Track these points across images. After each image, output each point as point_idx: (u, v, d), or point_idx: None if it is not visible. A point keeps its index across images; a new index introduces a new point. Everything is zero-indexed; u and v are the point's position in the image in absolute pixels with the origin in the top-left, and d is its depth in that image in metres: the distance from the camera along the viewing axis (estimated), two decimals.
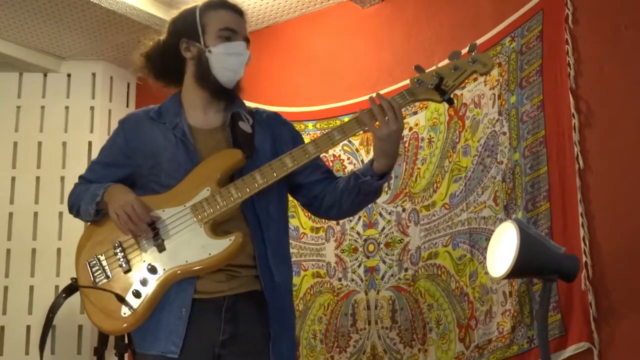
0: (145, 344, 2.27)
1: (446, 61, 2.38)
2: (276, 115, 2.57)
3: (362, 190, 2.33)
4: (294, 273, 3.41)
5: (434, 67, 2.39)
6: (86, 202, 2.38)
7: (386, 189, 3.32)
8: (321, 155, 2.45)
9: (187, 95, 2.46)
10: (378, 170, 2.29)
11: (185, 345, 2.23)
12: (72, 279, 2.36)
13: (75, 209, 2.46)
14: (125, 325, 2.25)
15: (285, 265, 2.42)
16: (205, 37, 2.39)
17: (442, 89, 2.31)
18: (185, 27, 2.42)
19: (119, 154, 2.46)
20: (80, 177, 2.52)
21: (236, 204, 2.28)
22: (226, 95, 2.43)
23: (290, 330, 2.40)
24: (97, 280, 2.30)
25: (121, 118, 2.56)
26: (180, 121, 2.40)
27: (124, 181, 2.42)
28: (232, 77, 2.41)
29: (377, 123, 2.24)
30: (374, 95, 2.28)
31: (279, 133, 2.48)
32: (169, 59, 2.45)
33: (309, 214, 3.46)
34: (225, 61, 2.38)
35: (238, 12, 2.45)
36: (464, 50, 2.41)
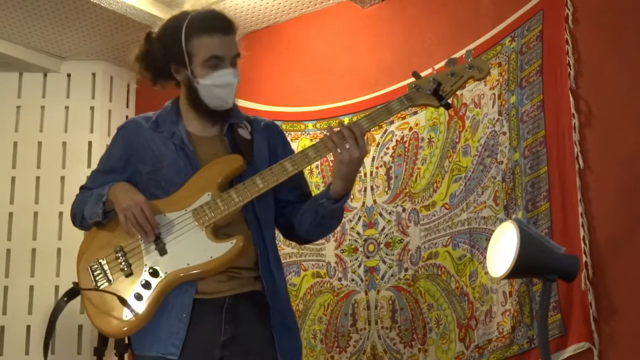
0: (144, 345, 2.28)
1: (442, 64, 2.39)
2: (274, 125, 2.58)
3: (320, 213, 2.35)
4: (294, 273, 3.46)
5: (430, 70, 2.39)
6: (91, 204, 2.36)
7: (386, 189, 3.32)
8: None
9: (184, 105, 2.46)
10: (335, 193, 2.30)
11: (186, 346, 2.23)
12: (73, 283, 2.36)
13: (79, 216, 2.43)
14: (127, 328, 2.25)
15: (281, 269, 2.44)
16: (192, 66, 2.34)
17: (439, 95, 2.32)
18: (173, 51, 2.36)
19: (117, 161, 2.46)
20: (82, 187, 2.50)
21: (237, 207, 2.29)
22: (219, 115, 2.42)
23: (294, 332, 2.41)
24: (98, 284, 2.29)
25: (120, 125, 2.55)
26: (178, 129, 2.41)
27: None
28: (223, 106, 2.39)
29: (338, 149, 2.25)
30: (339, 123, 2.31)
31: (275, 144, 2.49)
32: (161, 73, 2.43)
33: None
34: (214, 92, 2.35)
35: (224, 31, 2.36)
36: (462, 53, 2.41)
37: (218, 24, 2.36)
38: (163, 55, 2.39)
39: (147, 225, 2.25)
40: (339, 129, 2.27)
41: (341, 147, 2.24)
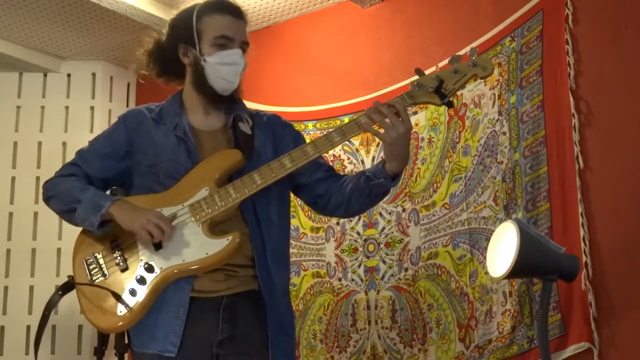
0: (143, 343, 2.28)
1: (446, 62, 2.38)
2: (276, 117, 2.56)
3: (374, 191, 2.34)
4: (294, 273, 3.45)
5: (433, 68, 2.39)
6: (86, 209, 2.31)
7: None
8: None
9: (187, 97, 2.46)
10: (391, 172, 2.29)
11: (183, 344, 2.23)
12: (69, 276, 2.36)
13: (55, 198, 2.39)
14: (121, 323, 2.24)
15: (283, 266, 2.42)
16: (201, 44, 2.36)
17: (441, 92, 2.31)
18: (183, 31, 2.39)
19: (117, 147, 2.43)
20: (68, 165, 2.46)
21: (234, 204, 2.28)
22: (224, 102, 2.42)
23: (289, 332, 2.40)
24: (93, 278, 2.29)
25: (121, 113, 2.54)
26: (181, 121, 2.40)
27: (120, 175, 2.40)
28: (227, 87, 2.39)
29: (379, 128, 2.24)
30: (375, 102, 2.28)
31: (281, 135, 2.47)
32: (169, 61, 2.44)
33: (310, 214, 3.46)
34: (219, 71, 2.36)
35: (236, 14, 2.40)
36: (464, 51, 2.41)
37: (230, 6, 2.41)
38: (172, 39, 2.42)
39: (166, 236, 2.23)
40: (375, 109, 2.24)
41: (385, 126, 2.20)
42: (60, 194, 2.42)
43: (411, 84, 2.35)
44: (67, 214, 2.40)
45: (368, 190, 2.34)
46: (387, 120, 2.22)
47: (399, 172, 2.31)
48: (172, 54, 2.42)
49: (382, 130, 2.24)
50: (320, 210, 2.56)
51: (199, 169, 2.33)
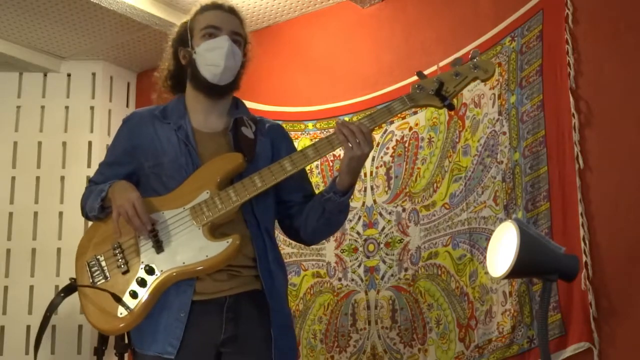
0: (144, 344, 2.28)
1: (446, 61, 2.38)
2: (279, 127, 2.59)
3: (327, 208, 2.35)
4: (294, 273, 3.46)
5: (434, 68, 2.39)
6: (92, 199, 2.39)
7: (386, 188, 3.32)
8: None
9: (189, 99, 2.48)
10: (341, 186, 2.31)
11: (185, 345, 2.23)
12: (71, 279, 2.37)
13: (85, 209, 2.47)
14: (122, 325, 2.25)
15: (282, 268, 2.44)
16: (193, 40, 2.43)
17: (442, 95, 2.31)
18: (180, 35, 2.48)
19: (121, 152, 2.48)
20: (90, 181, 2.54)
21: (235, 207, 2.29)
22: (219, 93, 2.44)
23: (290, 331, 2.41)
24: (95, 280, 2.31)
25: (125, 116, 2.57)
26: (185, 123, 2.42)
27: (128, 178, 2.43)
28: (216, 72, 2.39)
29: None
30: (339, 121, 2.32)
31: (278, 146, 2.49)
32: (176, 70, 2.49)
33: None
34: (207, 57, 2.39)
35: (225, 9, 2.46)
36: (464, 51, 2.41)
37: (219, 4, 2.48)
38: (174, 44, 2.48)
39: (136, 220, 2.25)
40: (346, 125, 2.27)
41: (352, 142, 2.25)
42: (83, 203, 2.48)
43: (412, 87, 2.35)
44: (88, 214, 2.46)
45: (322, 208, 2.36)
46: (357, 137, 2.25)
47: (349, 187, 2.32)
48: (176, 62, 2.49)
49: (350, 145, 2.26)
50: (285, 231, 2.56)
51: (201, 172, 2.34)
